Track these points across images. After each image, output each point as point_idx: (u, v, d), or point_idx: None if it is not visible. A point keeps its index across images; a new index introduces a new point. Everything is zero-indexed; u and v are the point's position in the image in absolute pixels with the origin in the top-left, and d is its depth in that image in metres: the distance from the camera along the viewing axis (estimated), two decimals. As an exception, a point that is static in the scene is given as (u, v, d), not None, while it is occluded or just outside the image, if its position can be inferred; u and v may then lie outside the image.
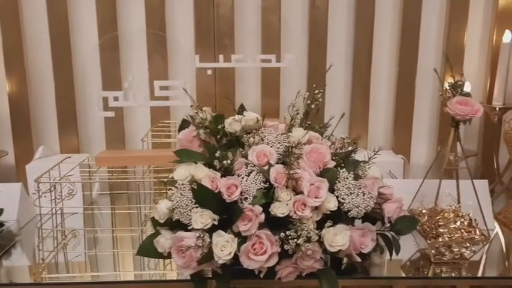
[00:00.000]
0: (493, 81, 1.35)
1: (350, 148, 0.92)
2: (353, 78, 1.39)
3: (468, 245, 0.96)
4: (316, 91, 1.01)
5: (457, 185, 1.03)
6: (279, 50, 1.33)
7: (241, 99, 1.39)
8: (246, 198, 0.80)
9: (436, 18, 1.38)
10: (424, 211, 1.02)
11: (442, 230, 0.96)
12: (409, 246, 1.05)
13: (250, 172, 0.82)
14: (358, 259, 0.85)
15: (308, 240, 0.77)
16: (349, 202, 0.83)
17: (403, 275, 0.98)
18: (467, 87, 1.32)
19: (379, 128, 1.44)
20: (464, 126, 1.32)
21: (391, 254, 0.90)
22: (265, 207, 0.81)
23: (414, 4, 1.35)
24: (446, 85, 0.96)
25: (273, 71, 1.33)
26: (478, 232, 0.96)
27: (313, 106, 0.99)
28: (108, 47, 1.34)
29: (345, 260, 0.93)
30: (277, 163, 0.85)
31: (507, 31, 1.29)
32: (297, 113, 0.99)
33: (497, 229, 1.18)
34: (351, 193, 0.83)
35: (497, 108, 1.32)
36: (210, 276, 0.85)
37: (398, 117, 1.42)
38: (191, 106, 0.91)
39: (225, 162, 0.83)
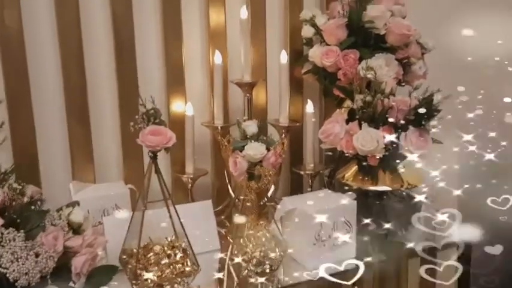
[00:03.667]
0: (215, 101, 1.38)
1: (25, 199, 0.76)
2: (66, 100, 1.23)
3: (179, 279, 0.91)
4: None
5: (169, 214, 0.98)
6: None
7: None
8: None
9: (152, 38, 1.33)
10: (135, 250, 0.94)
11: (152, 269, 0.89)
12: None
13: None
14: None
15: None
16: (14, 270, 0.67)
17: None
18: (189, 109, 1.33)
19: (108, 158, 1.32)
20: (194, 145, 1.33)
21: (86, 315, 0.79)
22: None
23: (125, 19, 1.26)
24: (140, 114, 0.90)
25: None
26: (189, 263, 0.93)
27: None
28: None
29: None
30: None
31: (217, 52, 1.33)
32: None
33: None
34: (17, 258, 0.68)
35: (219, 127, 1.36)
36: None
37: (126, 144, 1.32)
38: None
39: None
